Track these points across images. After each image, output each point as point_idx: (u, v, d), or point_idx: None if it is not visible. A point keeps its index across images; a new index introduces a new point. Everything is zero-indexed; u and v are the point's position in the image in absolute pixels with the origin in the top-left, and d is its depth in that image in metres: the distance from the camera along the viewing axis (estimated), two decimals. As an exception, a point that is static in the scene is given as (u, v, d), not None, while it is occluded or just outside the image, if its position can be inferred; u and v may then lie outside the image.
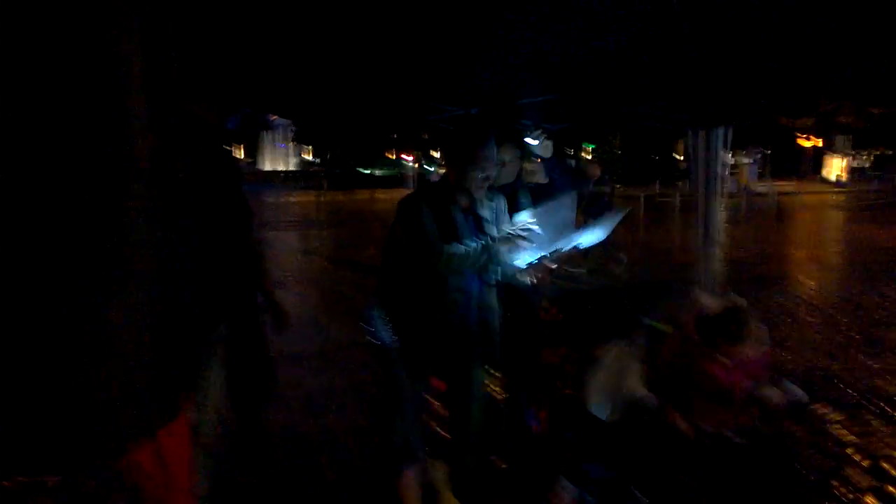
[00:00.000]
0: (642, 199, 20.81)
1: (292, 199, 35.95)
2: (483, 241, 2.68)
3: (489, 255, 2.68)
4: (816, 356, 5.88)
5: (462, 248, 2.64)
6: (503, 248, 2.64)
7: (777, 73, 3.34)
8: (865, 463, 3.63)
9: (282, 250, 14.61)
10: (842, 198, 28.93)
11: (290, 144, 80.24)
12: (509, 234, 2.68)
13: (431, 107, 3.49)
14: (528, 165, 3.44)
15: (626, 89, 3.72)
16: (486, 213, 2.81)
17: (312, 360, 5.97)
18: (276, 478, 3.54)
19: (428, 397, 2.98)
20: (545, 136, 3.24)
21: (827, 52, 2.97)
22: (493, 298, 2.83)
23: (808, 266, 11.42)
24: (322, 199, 28.83)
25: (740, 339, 2.78)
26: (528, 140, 3.40)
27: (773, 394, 2.78)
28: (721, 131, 3.84)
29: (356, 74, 3.13)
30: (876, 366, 5.60)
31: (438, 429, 3.35)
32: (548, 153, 3.28)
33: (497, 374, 2.48)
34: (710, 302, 2.94)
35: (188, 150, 2.32)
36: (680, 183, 38.87)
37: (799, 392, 2.82)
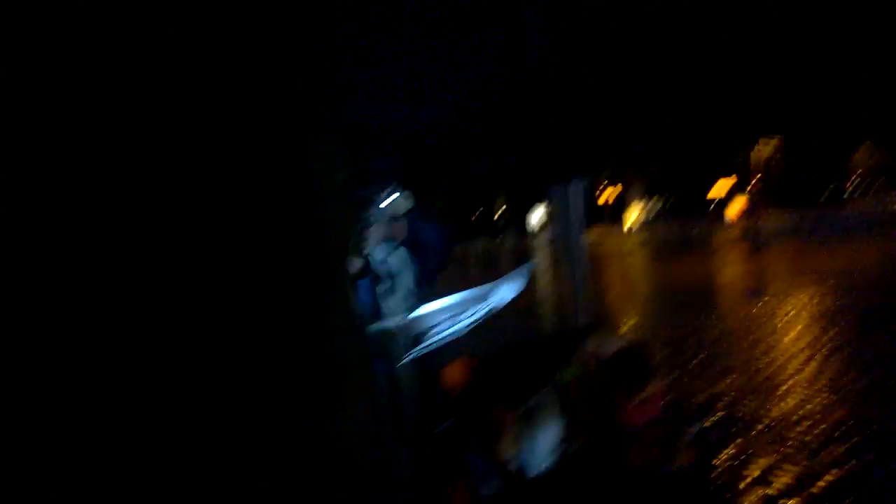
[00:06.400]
0: (481, 248, 21.55)
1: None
2: None
3: None
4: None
5: None
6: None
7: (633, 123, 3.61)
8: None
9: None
10: (637, 240, 32.31)
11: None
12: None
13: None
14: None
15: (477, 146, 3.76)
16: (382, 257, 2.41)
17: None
18: None
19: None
20: (394, 191, 2.80)
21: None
22: (404, 371, 2.41)
23: (627, 305, 12.32)
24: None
25: (645, 380, 2.87)
26: (382, 205, 2.89)
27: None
28: (579, 182, 4.05)
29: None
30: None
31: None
32: (405, 207, 2.89)
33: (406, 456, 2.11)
34: (607, 344, 2.98)
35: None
36: (498, 238, 41.79)
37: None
